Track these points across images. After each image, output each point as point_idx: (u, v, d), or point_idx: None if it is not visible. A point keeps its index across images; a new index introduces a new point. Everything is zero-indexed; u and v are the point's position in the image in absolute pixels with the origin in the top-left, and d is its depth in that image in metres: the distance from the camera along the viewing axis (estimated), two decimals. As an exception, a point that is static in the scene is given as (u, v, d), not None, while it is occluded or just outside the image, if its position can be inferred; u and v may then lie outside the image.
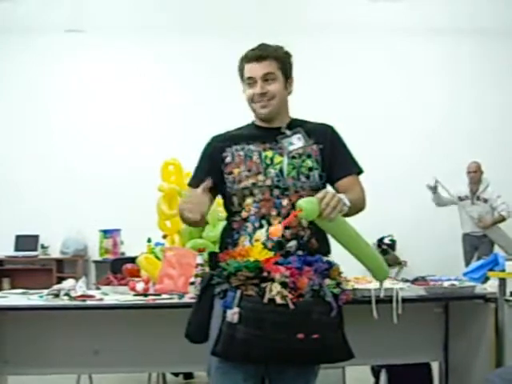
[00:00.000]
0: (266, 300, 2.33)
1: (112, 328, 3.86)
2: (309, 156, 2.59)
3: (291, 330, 2.33)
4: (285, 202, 2.50)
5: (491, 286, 3.82)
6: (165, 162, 5.28)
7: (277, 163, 2.57)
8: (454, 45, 8.96)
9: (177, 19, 8.49)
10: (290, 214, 2.36)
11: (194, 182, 2.62)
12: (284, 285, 2.36)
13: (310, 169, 2.57)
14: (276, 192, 2.52)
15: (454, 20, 8.59)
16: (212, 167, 2.63)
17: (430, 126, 8.84)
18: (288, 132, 2.62)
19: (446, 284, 3.74)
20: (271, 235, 2.42)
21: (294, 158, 2.57)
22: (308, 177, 2.56)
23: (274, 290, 2.34)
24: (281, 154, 2.58)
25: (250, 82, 2.63)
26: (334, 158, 2.64)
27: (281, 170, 2.55)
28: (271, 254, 2.42)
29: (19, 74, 8.77)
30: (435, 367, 4.26)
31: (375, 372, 4.53)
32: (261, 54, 2.61)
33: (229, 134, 2.71)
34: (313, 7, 8.21)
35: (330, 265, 2.49)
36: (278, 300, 2.32)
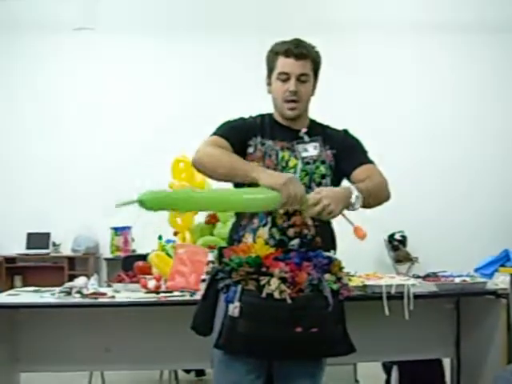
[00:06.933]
0: (264, 295, 2.37)
1: (124, 325, 3.88)
2: (323, 162, 2.56)
3: (289, 324, 2.36)
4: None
5: (503, 282, 3.81)
6: (175, 159, 5.28)
7: (291, 167, 2.53)
8: (461, 41, 8.91)
9: (188, 17, 8.50)
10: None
11: (222, 136, 2.54)
12: (283, 280, 2.39)
13: (323, 176, 2.54)
14: None
15: (462, 15, 8.56)
16: (238, 137, 2.55)
17: (441, 122, 8.81)
18: (306, 138, 2.59)
19: (457, 280, 3.74)
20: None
21: (307, 163, 2.54)
22: (320, 184, 2.52)
23: (273, 285, 2.38)
24: (296, 157, 2.55)
25: (282, 77, 2.56)
26: (345, 154, 2.61)
27: None
28: (273, 250, 2.44)
29: (28, 71, 8.78)
30: (447, 363, 4.25)
31: (387, 368, 4.52)
32: (302, 52, 2.55)
33: (255, 123, 2.65)
34: (323, 4, 8.20)
35: (330, 260, 2.50)
36: (276, 295, 2.36)
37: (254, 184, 2.35)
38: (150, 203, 2.28)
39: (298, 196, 2.27)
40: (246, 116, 2.70)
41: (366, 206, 2.43)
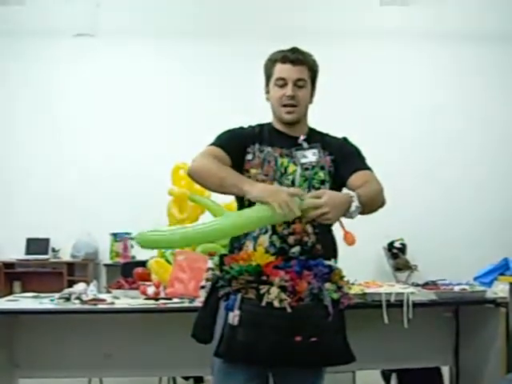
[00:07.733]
0: (263, 303, 2.37)
1: (123, 332, 3.88)
2: (322, 168, 2.57)
3: (289, 333, 2.36)
4: None
5: (502, 291, 3.81)
6: (175, 165, 5.27)
7: (290, 173, 2.54)
8: (464, 49, 8.92)
9: (189, 23, 8.49)
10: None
11: (220, 145, 2.56)
12: (283, 289, 2.39)
13: (322, 181, 2.55)
14: None
15: (466, 24, 8.56)
16: (236, 146, 2.58)
17: (442, 130, 8.81)
18: (305, 145, 2.60)
19: (456, 288, 3.74)
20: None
21: (306, 169, 2.55)
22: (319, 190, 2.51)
23: (273, 294, 2.37)
24: (295, 163, 2.56)
25: (280, 83, 2.59)
26: (343, 160, 2.61)
27: (293, 181, 2.53)
28: (273, 258, 2.43)
29: (28, 77, 8.78)
30: (445, 372, 4.25)
31: (386, 376, 4.52)
32: (298, 57, 2.59)
33: (254, 131, 2.67)
34: (320, 12, 8.20)
35: (331, 269, 2.50)
36: (276, 304, 2.36)
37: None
38: (143, 243, 2.50)
39: (289, 202, 2.22)
40: (246, 126, 2.71)
41: (360, 212, 2.43)
